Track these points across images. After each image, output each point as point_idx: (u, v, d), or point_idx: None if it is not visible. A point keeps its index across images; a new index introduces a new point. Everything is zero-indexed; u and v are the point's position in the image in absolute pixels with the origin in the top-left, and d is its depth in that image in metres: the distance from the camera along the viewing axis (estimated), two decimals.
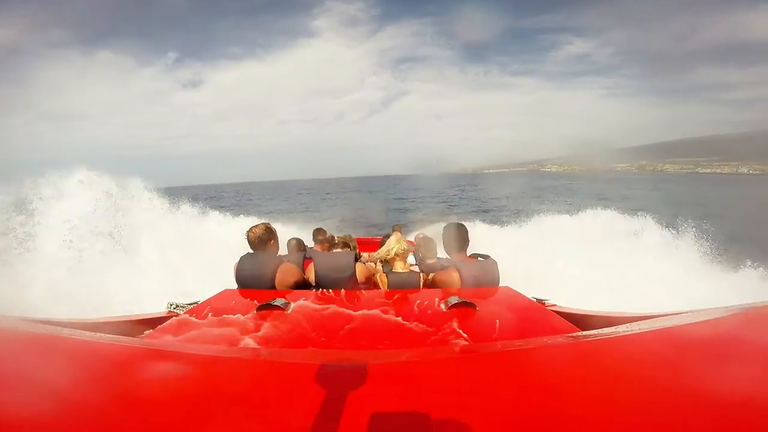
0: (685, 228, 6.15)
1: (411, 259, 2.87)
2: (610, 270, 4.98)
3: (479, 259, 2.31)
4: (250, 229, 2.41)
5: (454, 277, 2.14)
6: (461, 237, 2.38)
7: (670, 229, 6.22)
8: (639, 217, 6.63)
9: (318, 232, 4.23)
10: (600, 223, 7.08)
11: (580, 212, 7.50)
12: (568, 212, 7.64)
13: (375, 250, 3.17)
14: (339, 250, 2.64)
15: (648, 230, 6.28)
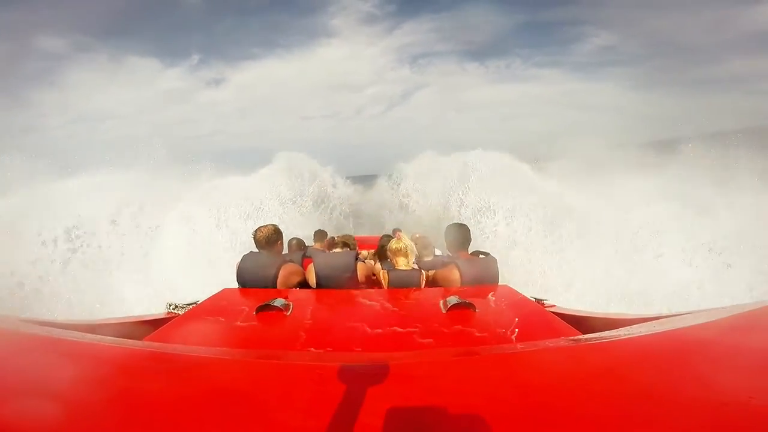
0: None
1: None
2: None
3: (480, 256, 2.31)
4: (259, 228, 2.38)
5: (454, 274, 2.15)
6: (462, 236, 2.40)
7: None
8: None
9: (319, 233, 4.25)
10: None
11: None
12: None
13: (374, 249, 3.17)
14: (339, 250, 2.62)
15: None
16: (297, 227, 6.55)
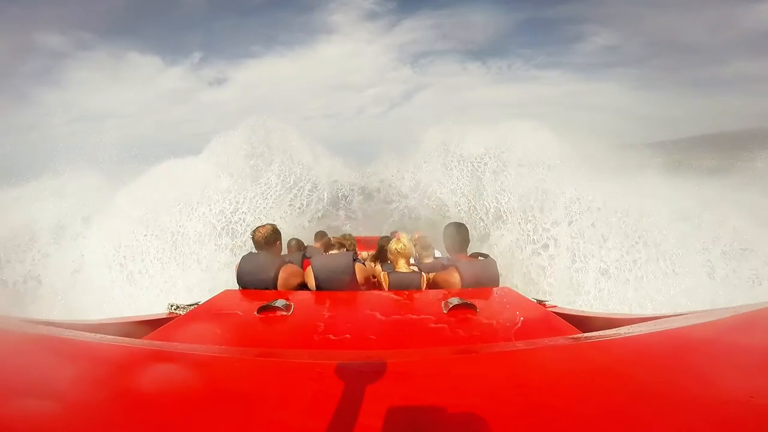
0: None
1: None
2: None
3: (479, 258, 2.33)
4: (257, 228, 2.42)
5: (454, 277, 2.15)
6: (461, 237, 2.40)
7: None
8: None
9: (319, 233, 4.31)
10: None
11: None
12: None
13: (374, 250, 3.17)
14: (335, 251, 2.62)
15: None
16: (258, 219, 5.16)
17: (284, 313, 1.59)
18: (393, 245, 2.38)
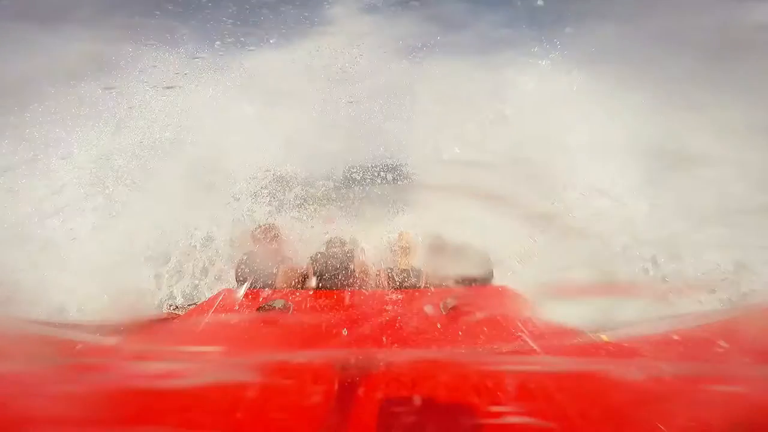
0: None
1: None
2: None
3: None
4: (255, 228, 2.45)
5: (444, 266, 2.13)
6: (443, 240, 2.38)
7: None
8: None
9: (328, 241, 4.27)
10: None
11: None
12: None
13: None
14: (335, 249, 2.63)
15: None
16: None
17: (283, 313, 1.59)
18: (395, 242, 2.40)
